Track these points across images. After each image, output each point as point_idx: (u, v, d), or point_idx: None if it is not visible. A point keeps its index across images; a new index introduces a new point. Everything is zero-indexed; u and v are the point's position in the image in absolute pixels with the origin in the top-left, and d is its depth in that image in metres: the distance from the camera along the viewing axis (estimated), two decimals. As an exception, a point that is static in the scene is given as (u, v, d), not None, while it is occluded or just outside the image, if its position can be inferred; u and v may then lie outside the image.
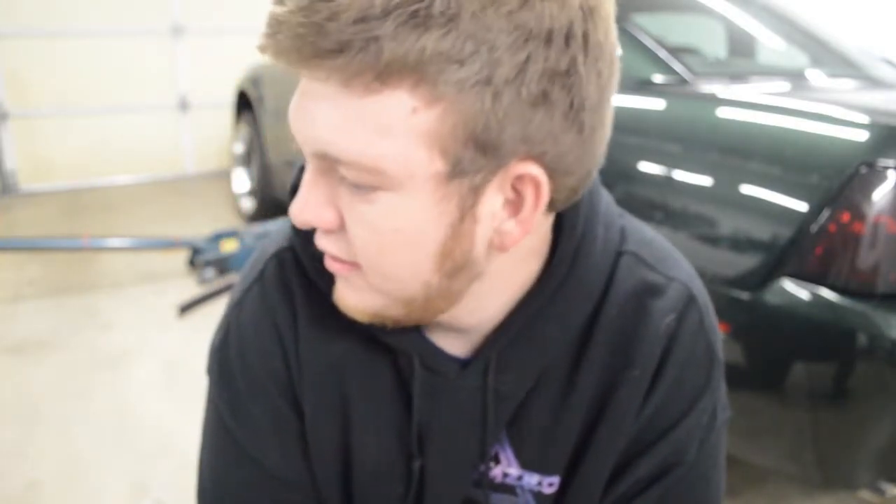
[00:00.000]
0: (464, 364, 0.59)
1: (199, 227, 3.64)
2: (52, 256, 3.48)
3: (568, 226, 0.55)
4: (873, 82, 1.91)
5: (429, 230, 0.46)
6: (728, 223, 1.35)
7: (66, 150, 5.03)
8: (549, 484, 0.62)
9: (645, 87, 1.67)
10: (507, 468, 0.62)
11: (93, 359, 2.45)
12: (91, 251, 3.48)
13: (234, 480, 0.64)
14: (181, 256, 3.37)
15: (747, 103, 1.46)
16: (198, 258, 3.24)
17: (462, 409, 0.59)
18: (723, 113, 1.47)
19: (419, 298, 0.50)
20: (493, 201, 0.46)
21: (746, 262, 1.30)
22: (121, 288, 3.12)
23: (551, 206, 0.49)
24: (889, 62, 2.28)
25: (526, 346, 0.57)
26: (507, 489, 0.63)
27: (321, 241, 0.50)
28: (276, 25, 0.41)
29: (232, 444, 0.64)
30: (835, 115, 1.31)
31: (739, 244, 1.33)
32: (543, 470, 0.62)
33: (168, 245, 3.34)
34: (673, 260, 0.62)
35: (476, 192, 0.45)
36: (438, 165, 0.43)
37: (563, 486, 0.62)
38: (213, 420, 0.67)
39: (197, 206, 4.46)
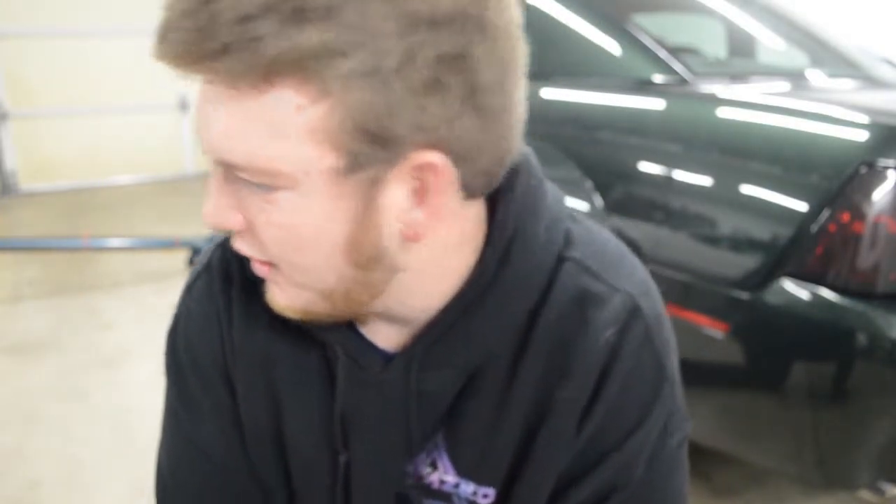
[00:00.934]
0: (389, 359, 0.57)
1: (199, 227, 3.64)
2: (52, 256, 3.49)
3: (499, 219, 0.53)
4: (873, 82, 1.91)
5: (332, 225, 0.46)
6: (728, 223, 1.35)
7: (66, 150, 5.03)
8: (484, 495, 0.60)
9: (645, 87, 1.67)
10: (443, 475, 0.60)
11: (93, 359, 2.45)
12: (91, 251, 3.48)
13: (184, 466, 0.68)
14: (181, 256, 3.37)
15: (747, 103, 1.46)
16: (198, 258, 3.24)
17: (386, 405, 0.58)
18: (723, 113, 1.47)
19: (338, 291, 0.50)
20: (395, 192, 0.46)
21: (746, 262, 1.30)
22: (121, 288, 3.13)
23: (468, 192, 0.49)
24: (889, 62, 2.28)
25: (452, 344, 0.55)
26: (443, 496, 0.61)
27: (237, 244, 0.51)
28: (164, 30, 0.42)
29: (181, 430, 0.68)
30: (835, 115, 1.31)
31: (739, 244, 1.33)
32: (478, 480, 0.59)
33: (168, 245, 3.34)
34: (622, 269, 0.58)
35: (376, 183, 0.45)
36: (333, 161, 0.43)
37: (502, 500, 0.60)
38: (167, 405, 0.70)
39: (197, 206, 4.44)
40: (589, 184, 1.58)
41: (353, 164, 0.43)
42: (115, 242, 3.40)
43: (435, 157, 0.45)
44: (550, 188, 0.60)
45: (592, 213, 1.56)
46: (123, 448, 1.93)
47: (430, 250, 0.51)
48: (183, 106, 5.17)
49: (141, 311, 2.87)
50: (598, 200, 1.56)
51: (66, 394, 2.21)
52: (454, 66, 0.43)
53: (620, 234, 1.51)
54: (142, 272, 3.29)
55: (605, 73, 1.78)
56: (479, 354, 0.56)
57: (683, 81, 1.65)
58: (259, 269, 0.52)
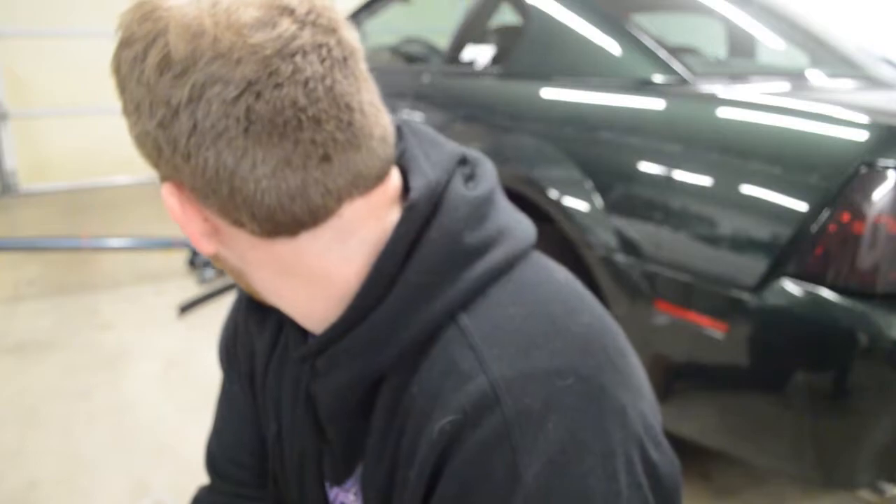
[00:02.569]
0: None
1: (198, 227, 3.64)
2: (52, 256, 3.49)
3: (373, 267, 0.52)
4: (873, 82, 1.91)
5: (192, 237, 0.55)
6: (728, 223, 1.35)
7: (66, 150, 5.03)
8: None
9: (645, 87, 1.67)
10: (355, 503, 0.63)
11: (93, 359, 2.45)
12: (90, 251, 3.48)
13: (220, 417, 0.80)
14: (181, 256, 3.37)
15: (747, 103, 1.46)
16: (198, 258, 3.24)
17: (293, 395, 0.64)
18: (723, 113, 1.47)
19: (228, 273, 0.59)
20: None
21: (746, 262, 1.30)
22: (121, 288, 3.13)
23: (255, 232, 0.51)
24: (889, 62, 2.28)
25: (327, 364, 0.55)
26: None
27: None
28: None
29: (223, 391, 0.79)
30: (835, 115, 1.31)
31: (739, 244, 1.33)
32: None
33: (168, 245, 3.34)
34: (511, 348, 0.49)
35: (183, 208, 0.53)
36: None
37: None
38: (221, 389, 0.81)
39: (197, 206, 4.45)
40: (589, 184, 1.58)
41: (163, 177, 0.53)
42: (114, 242, 3.40)
43: (167, 191, 0.52)
44: (487, 237, 0.53)
45: (592, 213, 1.57)
46: (123, 448, 1.93)
47: (266, 273, 0.55)
48: (183, 106, 5.17)
49: (140, 311, 2.86)
50: (599, 200, 1.56)
51: (66, 394, 2.21)
52: (159, 133, 0.49)
53: (619, 234, 1.51)
54: (141, 272, 3.29)
55: (605, 73, 1.79)
56: (351, 379, 0.54)
57: (683, 81, 1.65)
58: None
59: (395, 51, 3.14)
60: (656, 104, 1.58)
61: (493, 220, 0.55)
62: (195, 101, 0.46)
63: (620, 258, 1.51)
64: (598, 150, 1.62)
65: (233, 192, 0.48)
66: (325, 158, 0.48)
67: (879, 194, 1.17)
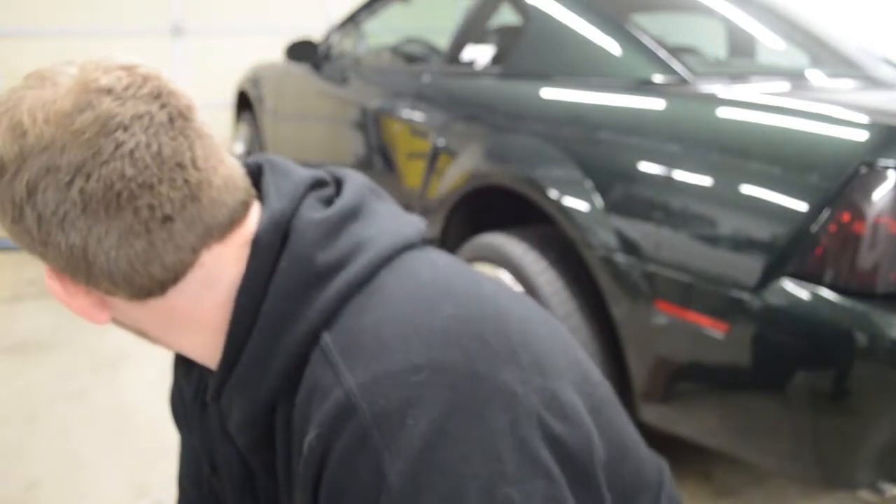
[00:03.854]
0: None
1: (198, 227, 3.64)
2: (52, 256, 3.48)
3: (238, 297, 0.55)
4: (873, 82, 1.91)
5: (61, 296, 0.58)
6: (728, 223, 1.35)
7: (65, 150, 5.03)
8: None
9: (645, 87, 1.67)
10: None
11: (93, 359, 2.45)
12: (91, 251, 3.47)
13: (182, 461, 0.83)
14: (181, 256, 3.36)
15: (747, 103, 1.46)
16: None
17: (217, 431, 0.68)
18: (723, 113, 1.47)
19: (140, 332, 0.61)
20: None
21: (746, 262, 1.30)
22: (121, 288, 3.12)
23: (128, 297, 0.55)
24: (889, 62, 2.28)
25: (227, 394, 0.58)
26: None
27: None
28: None
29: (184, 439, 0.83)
30: (835, 115, 1.31)
31: (739, 244, 1.33)
32: None
33: (168, 245, 3.33)
34: (366, 355, 0.51)
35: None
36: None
37: None
38: None
39: (197, 206, 4.45)
40: (589, 184, 1.58)
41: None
42: (115, 242, 3.40)
43: (46, 272, 0.56)
44: (342, 254, 0.55)
45: (592, 213, 1.57)
46: (123, 448, 1.93)
47: (153, 329, 0.59)
48: (183, 106, 5.17)
49: (141, 311, 2.87)
50: (598, 200, 1.56)
51: (66, 394, 2.21)
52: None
53: (619, 234, 1.51)
54: (142, 272, 3.29)
55: (605, 73, 1.78)
56: (245, 411, 0.58)
57: (683, 81, 1.65)
58: None
59: (395, 51, 3.14)
60: (656, 104, 1.58)
61: (350, 234, 0.56)
62: (34, 195, 0.49)
63: (620, 258, 1.51)
64: (598, 150, 1.62)
65: (90, 266, 0.52)
66: (167, 219, 0.51)
67: (879, 194, 1.17)
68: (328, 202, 0.59)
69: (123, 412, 2.11)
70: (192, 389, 0.72)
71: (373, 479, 0.48)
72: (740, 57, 2.45)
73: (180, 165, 0.52)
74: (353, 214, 0.58)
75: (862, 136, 1.24)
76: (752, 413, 1.36)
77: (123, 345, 2.56)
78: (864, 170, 1.18)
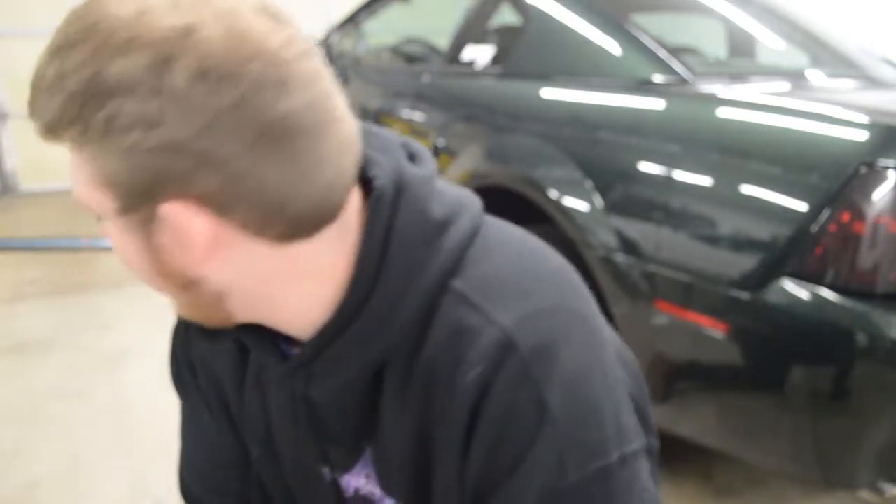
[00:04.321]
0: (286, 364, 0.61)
1: (199, 227, 3.64)
2: (52, 256, 3.49)
3: (360, 253, 0.54)
4: (873, 82, 1.91)
5: (132, 253, 0.52)
6: (728, 223, 1.35)
7: (66, 151, 5.03)
8: None
9: (645, 87, 1.67)
10: (373, 488, 0.64)
11: (93, 359, 2.45)
12: (91, 251, 3.48)
13: (191, 448, 0.78)
14: (181, 256, 3.36)
15: (747, 103, 1.46)
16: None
17: (283, 407, 0.64)
18: (723, 113, 1.47)
19: (192, 306, 0.56)
20: (161, 235, 0.50)
21: (746, 262, 1.30)
22: (121, 288, 3.12)
23: (280, 237, 0.51)
24: (889, 62, 2.28)
25: (332, 359, 0.57)
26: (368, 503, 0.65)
27: None
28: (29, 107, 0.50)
29: (194, 429, 0.77)
30: (835, 115, 1.31)
31: (739, 244, 1.33)
32: (392, 494, 0.62)
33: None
34: (510, 295, 0.55)
35: (144, 225, 0.50)
36: (111, 203, 0.49)
37: None
38: (181, 414, 0.79)
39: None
40: (589, 184, 1.58)
41: (123, 208, 0.49)
42: (115, 242, 3.39)
43: (184, 209, 0.48)
44: (451, 212, 0.57)
45: (592, 213, 1.57)
46: (123, 448, 1.93)
47: (261, 284, 0.54)
48: (183, 106, 5.17)
49: (141, 311, 2.87)
50: (598, 200, 1.56)
51: (66, 394, 2.21)
52: (152, 130, 0.46)
53: (619, 234, 1.51)
54: (142, 272, 3.29)
55: (605, 73, 1.79)
56: (359, 371, 0.57)
57: (683, 81, 1.65)
58: None
59: (395, 51, 3.14)
60: (656, 104, 1.58)
61: (448, 191, 0.59)
62: (237, 107, 0.46)
63: (620, 258, 1.51)
64: (598, 150, 1.62)
65: (268, 195, 0.48)
66: (344, 153, 0.52)
67: (879, 194, 1.17)
68: (410, 160, 0.60)
69: (123, 412, 2.11)
70: (231, 369, 0.69)
71: (535, 410, 0.52)
72: (740, 57, 2.46)
73: (346, 106, 0.53)
74: (436, 176, 0.60)
75: (862, 136, 1.24)
76: (752, 413, 1.36)
77: (124, 344, 2.56)
78: (864, 170, 1.18)
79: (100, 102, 0.45)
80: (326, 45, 3.08)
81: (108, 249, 3.22)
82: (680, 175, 1.43)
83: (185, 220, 0.49)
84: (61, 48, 0.46)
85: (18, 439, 1.98)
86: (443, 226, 0.56)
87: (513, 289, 0.55)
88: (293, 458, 0.67)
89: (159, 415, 2.08)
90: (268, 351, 0.61)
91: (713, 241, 1.37)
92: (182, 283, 0.53)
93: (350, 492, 0.66)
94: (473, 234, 0.57)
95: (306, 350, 0.57)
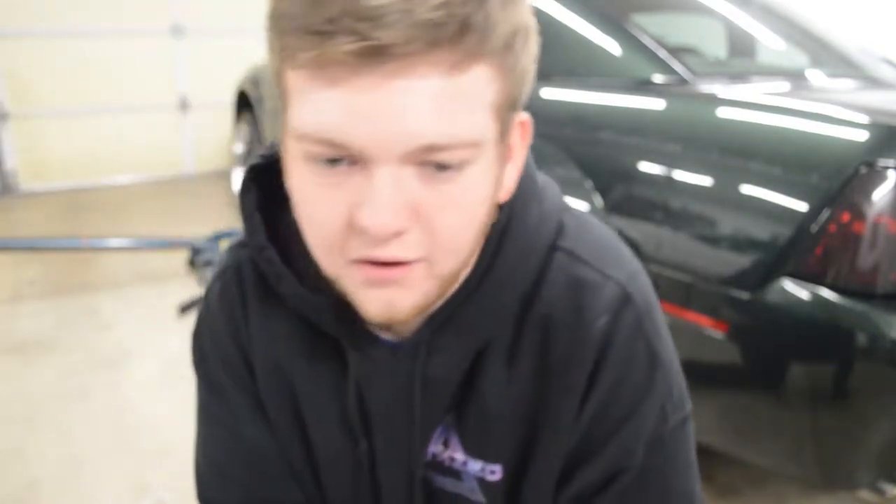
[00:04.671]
0: (396, 348, 0.59)
1: (199, 227, 3.64)
2: (52, 256, 3.49)
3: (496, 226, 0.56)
4: (873, 82, 1.91)
5: (489, 193, 0.50)
6: (728, 223, 1.35)
7: (66, 150, 5.03)
8: (492, 472, 0.63)
9: (645, 87, 1.67)
10: (454, 453, 0.64)
11: (93, 359, 2.45)
12: (91, 251, 3.48)
13: (224, 455, 0.70)
14: (181, 256, 3.37)
15: (747, 103, 1.46)
16: (198, 258, 3.24)
17: (396, 393, 0.61)
18: (723, 113, 1.47)
19: (458, 270, 0.52)
20: (506, 161, 0.52)
21: (746, 262, 1.30)
22: (121, 288, 3.12)
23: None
24: (889, 62, 2.28)
25: (453, 332, 0.58)
26: (453, 473, 0.65)
27: (389, 250, 0.47)
28: (373, 20, 0.40)
29: (217, 423, 0.70)
30: (835, 115, 1.31)
31: (739, 244, 1.33)
32: (485, 457, 0.62)
33: (168, 245, 3.34)
34: (613, 258, 0.61)
35: (509, 147, 0.52)
36: (496, 130, 0.48)
37: (512, 479, 0.63)
38: (199, 403, 0.72)
39: (197, 206, 4.46)
40: (589, 184, 1.58)
41: (503, 131, 0.49)
42: (114, 242, 3.40)
43: (516, 133, 0.52)
44: (543, 180, 0.61)
45: (592, 213, 1.57)
46: (123, 448, 1.93)
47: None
48: (183, 106, 5.17)
49: (141, 311, 2.86)
50: (598, 200, 1.56)
51: (66, 394, 2.21)
52: (522, 36, 0.48)
53: (620, 234, 1.51)
54: (142, 272, 3.29)
55: (605, 73, 1.78)
56: (480, 340, 0.58)
57: (683, 81, 1.65)
58: (388, 274, 0.48)
59: (395, 51, 3.13)
60: (656, 104, 1.59)
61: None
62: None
63: (620, 258, 1.51)
64: (598, 150, 1.62)
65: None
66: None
67: (879, 194, 1.17)
68: None
69: (124, 411, 2.11)
70: (334, 362, 0.62)
71: (648, 356, 0.58)
72: (740, 57, 2.45)
73: None
74: None
75: (862, 136, 1.24)
76: (752, 413, 1.36)
77: (123, 344, 2.56)
78: (864, 170, 1.18)
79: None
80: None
81: (107, 249, 3.22)
82: (680, 175, 1.43)
83: (516, 143, 0.53)
84: None
85: (18, 439, 1.98)
86: (542, 196, 0.60)
87: (613, 250, 0.61)
88: (389, 439, 0.64)
89: (159, 415, 2.08)
90: (368, 341, 0.59)
91: (713, 240, 1.37)
92: (489, 225, 0.53)
93: (427, 458, 0.65)
94: (563, 208, 0.61)
95: (429, 325, 0.57)
